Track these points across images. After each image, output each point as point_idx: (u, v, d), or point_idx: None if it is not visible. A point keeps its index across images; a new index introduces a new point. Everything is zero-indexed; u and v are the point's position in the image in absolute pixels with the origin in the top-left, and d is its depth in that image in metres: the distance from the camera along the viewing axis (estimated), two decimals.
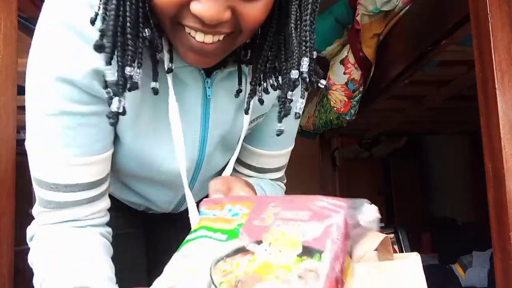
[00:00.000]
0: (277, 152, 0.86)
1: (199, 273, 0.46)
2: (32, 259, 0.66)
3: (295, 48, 0.60)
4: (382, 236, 0.87)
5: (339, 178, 4.02)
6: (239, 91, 0.71)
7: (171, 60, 0.64)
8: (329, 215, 0.43)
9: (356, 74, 2.10)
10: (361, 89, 2.17)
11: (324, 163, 3.72)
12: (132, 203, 0.88)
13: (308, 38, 0.61)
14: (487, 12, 0.94)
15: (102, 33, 0.56)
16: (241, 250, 0.44)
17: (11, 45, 0.93)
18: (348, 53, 2.11)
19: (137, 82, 0.58)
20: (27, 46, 1.40)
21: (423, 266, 0.89)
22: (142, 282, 0.79)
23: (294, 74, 0.61)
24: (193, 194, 0.77)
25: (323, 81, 0.64)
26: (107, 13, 0.55)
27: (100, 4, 0.56)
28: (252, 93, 0.69)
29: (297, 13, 0.61)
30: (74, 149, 0.63)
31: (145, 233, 0.96)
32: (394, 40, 1.88)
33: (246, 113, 0.71)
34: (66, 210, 0.66)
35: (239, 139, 0.77)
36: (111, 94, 0.57)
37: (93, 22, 0.57)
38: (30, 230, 0.69)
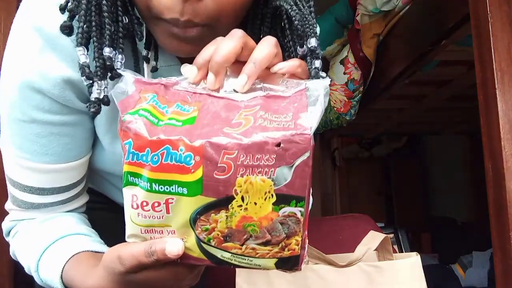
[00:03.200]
0: None
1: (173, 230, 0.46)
2: (15, 249, 0.68)
3: (304, 16, 0.55)
4: (382, 236, 0.88)
5: (339, 178, 4.01)
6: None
7: (155, 59, 0.61)
8: (295, 154, 0.43)
9: (356, 74, 2.10)
10: (361, 89, 2.17)
11: (324, 163, 3.72)
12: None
13: (313, 20, 0.57)
14: (487, 12, 0.94)
15: (72, 12, 0.52)
16: (212, 207, 0.44)
17: None
18: (348, 53, 2.12)
19: (119, 69, 0.52)
20: None
21: (423, 266, 0.89)
22: None
23: (313, 42, 0.56)
24: None
25: (323, 74, 0.58)
26: None
27: None
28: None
29: None
30: (46, 157, 0.61)
31: None
32: (394, 40, 1.88)
33: None
34: (39, 211, 0.66)
35: None
36: (90, 81, 0.52)
37: (63, 9, 0.53)
38: (5, 225, 0.70)
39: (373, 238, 0.88)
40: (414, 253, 0.90)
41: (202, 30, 0.53)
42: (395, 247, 2.44)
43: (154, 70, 0.61)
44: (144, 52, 0.59)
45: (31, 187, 0.63)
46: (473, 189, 3.90)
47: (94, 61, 0.52)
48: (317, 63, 0.56)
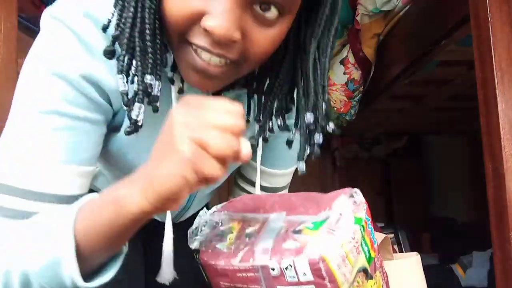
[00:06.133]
0: (285, 171, 0.86)
1: None
2: None
3: (311, 90, 0.60)
4: (381, 236, 0.88)
5: (339, 178, 4.01)
6: (247, 121, 0.69)
7: (182, 81, 0.62)
8: None
9: (356, 74, 2.10)
10: (361, 89, 2.17)
11: (324, 163, 3.71)
12: None
13: (325, 82, 0.62)
14: (487, 12, 0.94)
15: (115, 39, 0.55)
16: None
17: (11, 45, 0.93)
18: (348, 53, 2.11)
19: (158, 96, 0.56)
20: (27, 46, 1.40)
21: (423, 266, 0.89)
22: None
23: (309, 117, 0.61)
24: (192, 208, 0.80)
25: (331, 124, 0.64)
26: (123, 20, 0.54)
27: (114, 11, 0.55)
28: (260, 132, 0.68)
29: (316, 54, 0.61)
30: (59, 154, 0.57)
31: (142, 241, 0.95)
32: (394, 40, 1.88)
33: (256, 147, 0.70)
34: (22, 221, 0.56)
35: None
36: (129, 101, 0.55)
37: (105, 29, 0.56)
38: None
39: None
40: (415, 253, 0.90)
41: (227, 68, 0.55)
42: (395, 247, 2.43)
43: (180, 92, 0.62)
44: (169, 74, 0.61)
45: (28, 191, 0.56)
46: (473, 189, 3.90)
47: (136, 86, 0.55)
48: (317, 137, 0.63)
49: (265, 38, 0.55)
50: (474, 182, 3.85)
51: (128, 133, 0.56)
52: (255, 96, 0.68)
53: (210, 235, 0.60)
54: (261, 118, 0.67)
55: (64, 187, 0.58)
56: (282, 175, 0.86)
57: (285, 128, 0.67)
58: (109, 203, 0.48)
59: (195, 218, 0.68)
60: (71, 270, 0.49)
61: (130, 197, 0.46)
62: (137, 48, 0.54)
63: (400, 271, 0.87)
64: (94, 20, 0.57)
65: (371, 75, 2.09)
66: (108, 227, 0.49)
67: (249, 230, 0.56)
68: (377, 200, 4.31)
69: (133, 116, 0.55)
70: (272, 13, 0.54)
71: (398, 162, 4.42)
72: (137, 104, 0.55)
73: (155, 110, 0.58)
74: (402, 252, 2.48)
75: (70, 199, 0.58)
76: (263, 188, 0.86)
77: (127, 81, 0.55)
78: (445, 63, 1.87)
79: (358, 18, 1.97)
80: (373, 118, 3.01)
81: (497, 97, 0.91)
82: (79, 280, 0.49)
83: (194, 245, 0.61)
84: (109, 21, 0.56)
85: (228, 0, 0.51)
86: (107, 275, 0.53)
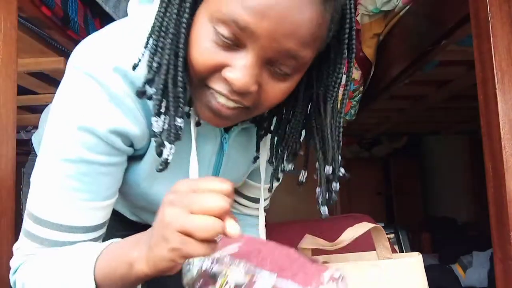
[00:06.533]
0: (265, 186, 0.93)
1: None
2: (24, 280, 0.66)
3: (329, 147, 0.68)
4: (372, 225, 0.88)
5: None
6: (256, 158, 0.79)
7: (197, 114, 0.67)
8: None
9: (356, 74, 2.10)
10: (361, 89, 2.17)
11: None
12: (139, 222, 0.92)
13: (340, 138, 0.69)
14: (487, 12, 0.94)
15: (148, 81, 0.59)
16: None
17: (11, 45, 0.93)
18: None
19: (181, 134, 0.61)
20: (27, 46, 1.40)
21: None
22: None
23: (328, 169, 0.69)
24: None
25: (342, 170, 0.72)
26: (156, 64, 0.59)
27: (144, 52, 0.60)
28: (274, 173, 0.76)
29: (332, 114, 0.68)
30: (85, 194, 0.64)
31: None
32: (394, 40, 1.88)
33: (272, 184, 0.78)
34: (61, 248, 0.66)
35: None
36: (162, 143, 0.60)
37: (135, 67, 0.60)
38: (14, 263, 0.68)
39: (364, 226, 0.89)
40: (416, 253, 0.90)
41: (238, 111, 0.61)
42: (396, 247, 2.43)
43: (198, 125, 0.68)
44: (186, 109, 0.66)
45: (60, 225, 0.65)
46: (473, 189, 3.90)
47: (168, 128, 0.60)
48: (335, 185, 0.71)
49: (278, 90, 0.61)
50: (474, 182, 3.85)
51: (160, 170, 0.62)
52: (267, 138, 0.77)
53: (203, 274, 0.61)
54: (273, 160, 0.75)
55: (91, 220, 0.67)
56: (264, 189, 0.94)
57: (293, 171, 0.75)
58: (123, 263, 0.57)
59: None
60: None
61: (138, 263, 0.55)
62: (170, 94, 0.59)
63: (401, 271, 0.87)
64: (123, 74, 0.61)
65: (371, 75, 2.09)
66: (121, 281, 0.58)
67: (238, 281, 0.57)
68: (377, 200, 4.32)
69: (165, 156, 0.61)
70: (286, 71, 0.60)
71: (398, 162, 4.43)
72: (168, 145, 0.60)
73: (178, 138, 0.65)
74: (402, 252, 2.48)
75: (96, 228, 0.68)
76: (246, 198, 0.96)
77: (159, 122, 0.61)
78: (445, 63, 1.87)
79: (358, 18, 1.97)
80: (373, 118, 3.01)
81: (497, 97, 0.91)
82: None
83: (186, 280, 0.62)
84: (139, 61, 0.60)
85: (249, 57, 0.56)
86: None
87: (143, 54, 0.61)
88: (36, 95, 1.67)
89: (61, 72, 1.42)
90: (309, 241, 0.91)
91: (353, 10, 0.63)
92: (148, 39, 0.60)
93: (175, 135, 0.60)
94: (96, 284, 0.59)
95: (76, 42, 1.32)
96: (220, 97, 0.59)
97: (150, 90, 0.60)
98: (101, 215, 0.68)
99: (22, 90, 1.53)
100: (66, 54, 1.36)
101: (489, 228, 0.95)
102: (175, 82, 0.59)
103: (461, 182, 4.00)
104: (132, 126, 0.64)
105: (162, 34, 0.59)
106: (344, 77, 0.68)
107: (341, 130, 0.70)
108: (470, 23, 1.02)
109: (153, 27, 0.60)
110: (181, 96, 0.59)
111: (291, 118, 0.71)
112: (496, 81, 0.92)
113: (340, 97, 0.70)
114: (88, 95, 0.61)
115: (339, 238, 0.89)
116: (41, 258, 0.65)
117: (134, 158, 0.70)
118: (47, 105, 0.94)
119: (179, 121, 0.60)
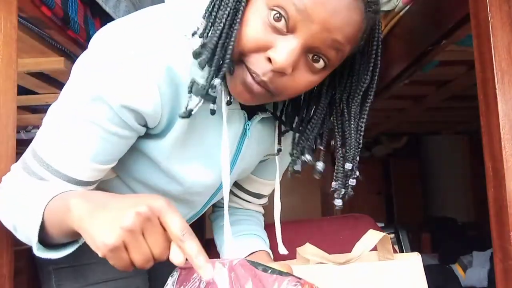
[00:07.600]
0: (269, 181, 0.99)
1: None
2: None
3: (352, 146, 0.75)
4: (380, 234, 0.88)
5: None
6: (279, 150, 0.85)
7: (230, 96, 0.72)
8: None
9: None
10: None
11: (324, 162, 3.72)
12: None
13: (361, 139, 0.78)
14: (487, 12, 0.94)
15: (203, 46, 0.65)
16: None
17: (11, 45, 0.93)
18: None
19: (215, 97, 0.67)
20: (27, 46, 1.39)
21: (423, 266, 0.89)
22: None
23: (348, 166, 0.76)
24: (207, 211, 0.94)
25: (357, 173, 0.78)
26: (212, 30, 0.65)
27: (202, 22, 0.66)
28: (293, 163, 0.80)
29: (357, 117, 0.78)
30: (89, 152, 0.69)
31: None
32: (394, 40, 1.88)
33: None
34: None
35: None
36: (191, 94, 0.66)
37: (193, 34, 0.66)
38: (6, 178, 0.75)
39: (372, 236, 0.88)
40: (415, 253, 0.90)
41: (265, 93, 0.66)
42: (396, 247, 2.44)
43: (228, 103, 0.72)
44: (224, 98, 0.72)
45: (54, 170, 0.69)
46: (473, 189, 3.90)
47: (204, 82, 0.65)
48: (352, 181, 0.80)
49: (305, 80, 0.67)
50: (474, 182, 3.85)
51: (181, 117, 0.67)
52: (284, 129, 0.85)
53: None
54: (294, 153, 0.80)
55: (79, 175, 0.71)
56: (269, 184, 1.00)
57: (312, 162, 0.81)
58: (63, 206, 0.58)
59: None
60: (34, 236, 0.62)
61: (72, 215, 0.56)
62: (217, 56, 0.64)
63: (401, 271, 0.88)
64: (158, 57, 0.67)
65: None
66: (58, 223, 0.60)
67: None
68: (377, 200, 4.31)
69: (191, 106, 0.67)
70: (320, 64, 0.66)
71: (398, 162, 4.43)
72: (196, 98, 0.66)
73: (213, 113, 0.69)
74: (402, 252, 2.48)
75: (79, 182, 0.71)
76: (247, 192, 1.00)
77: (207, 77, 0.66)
78: (445, 63, 1.87)
79: None
80: (373, 118, 3.01)
81: (497, 97, 0.91)
82: (35, 242, 0.62)
83: None
84: (197, 29, 0.66)
85: (293, 43, 0.62)
86: (60, 253, 0.64)
87: (201, 24, 0.66)
88: (36, 95, 1.67)
89: (61, 72, 1.42)
90: (312, 252, 0.90)
91: (380, 31, 0.71)
92: (208, 8, 0.66)
93: (206, 91, 0.65)
94: (43, 219, 0.61)
95: (76, 42, 1.32)
96: (249, 75, 0.65)
97: (204, 55, 0.64)
98: (91, 175, 0.72)
99: (22, 90, 1.53)
100: (66, 54, 1.35)
101: (489, 228, 0.95)
102: (224, 48, 0.64)
103: (461, 182, 4.00)
104: (146, 105, 0.67)
105: (222, 8, 0.65)
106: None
107: (363, 131, 0.78)
108: (470, 23, 1.02)
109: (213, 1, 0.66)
110: (227, 61, 0.64)
111: (312, 116, 0.78)
112: (496, 81, 0.92)
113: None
114: (112, 69, 0.65)
115: (349, 255, 0.88)
116: (18, 182, 0.72)
117: (159, 135, 0.74)
118: (47, 105, 0.94)
119: (217, 82, 0.64)
